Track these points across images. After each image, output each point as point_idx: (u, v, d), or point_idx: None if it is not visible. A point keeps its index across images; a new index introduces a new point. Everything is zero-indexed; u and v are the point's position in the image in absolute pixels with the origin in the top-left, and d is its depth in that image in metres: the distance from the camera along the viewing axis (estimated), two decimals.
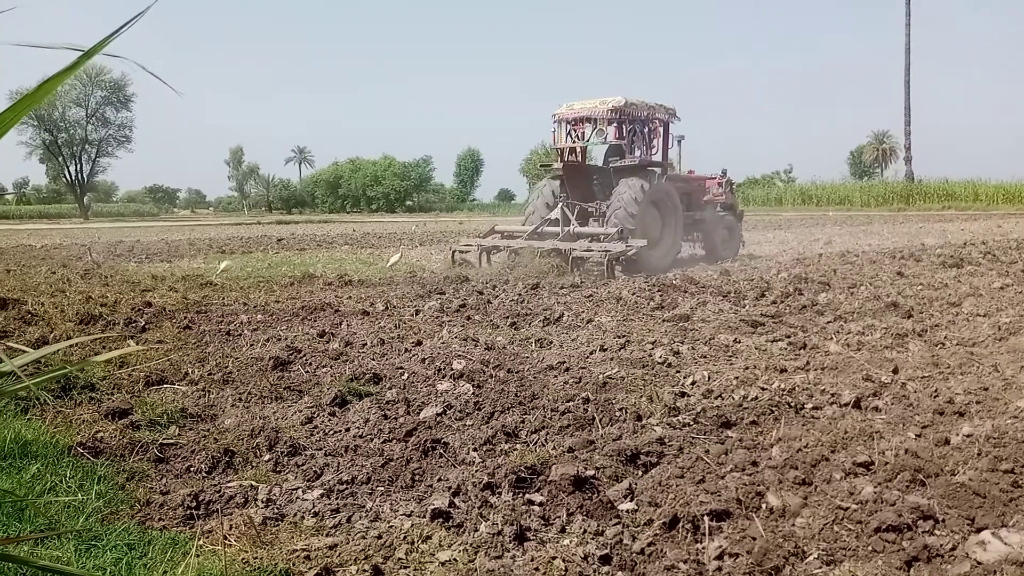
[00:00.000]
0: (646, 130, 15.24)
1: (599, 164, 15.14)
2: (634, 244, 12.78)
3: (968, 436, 3.75)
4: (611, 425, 4.27)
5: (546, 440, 4.07)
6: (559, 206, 14.23)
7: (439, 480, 3.53)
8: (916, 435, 3.93)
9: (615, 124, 14.94)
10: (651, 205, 14.15)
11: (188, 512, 3.23)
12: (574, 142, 14.91)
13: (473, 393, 4.88)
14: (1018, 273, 11.02)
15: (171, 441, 4.07)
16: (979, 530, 2.82)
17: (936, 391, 4.76)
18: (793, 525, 2.94)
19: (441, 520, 3.05)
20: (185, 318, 7.80)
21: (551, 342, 6.63)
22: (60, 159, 67.77)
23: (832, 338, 6.56)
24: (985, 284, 9.72)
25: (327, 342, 6.63)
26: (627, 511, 3.18)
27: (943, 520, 2.91)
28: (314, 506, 3.26)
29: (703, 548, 2.83)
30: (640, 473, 3.59)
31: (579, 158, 14.54)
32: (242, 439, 4.08)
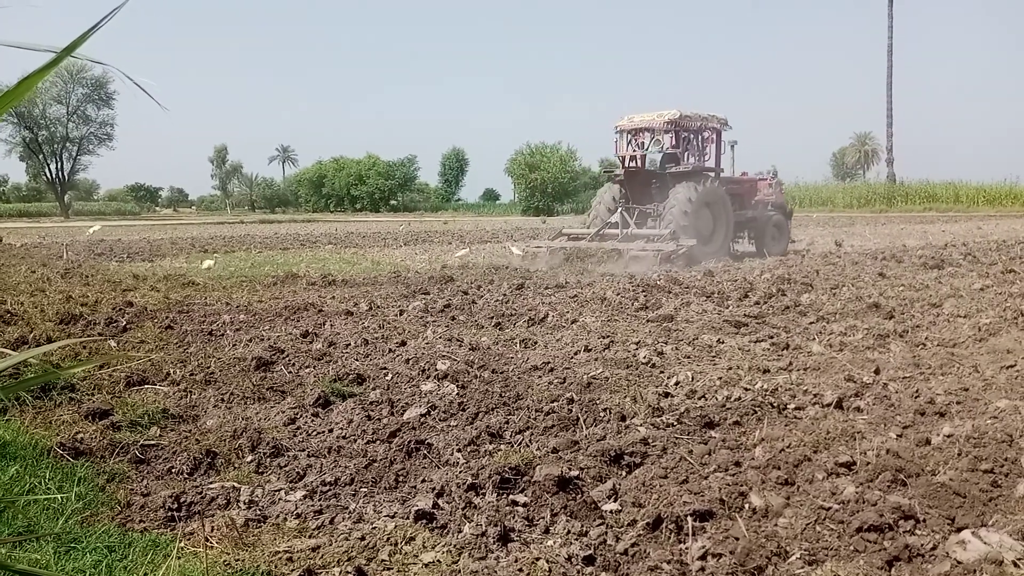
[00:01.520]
0: (699, 138, 16.97)
1: (655, 170, 16.37)
2: (684, 243, 14.10)
3: (949, 436, 3.78)
4: (595, 425, 4.28)
5: (530, 441, 4.07)
6: (619, 209, 15.87)
7: (423, 481, 3.52)
8: (897, 435, 3.96)
9: (671, 133, 16.46)
10: (704, 206, 15.55)
11: (169, 514, 3.20)
12: (634, 151, 16.70)
13: (457, 394, 4.87)
14: (998, 275, 11.13)
15: (152, 442, 4.03)
16: (959, 530, 2.84)
17: (917, 391, 4.80)
18: (776, 525, 2.96)
19: (425, 521, 3.04)
20: (167, 318, 7.74)
21: (536, 342, 6.63)
22: (40, 157, 67.03)
23: (815, 339, 6.60)
24: (965, 285, 9.81)
25: (310, 342, 6.60)
26: (611, 512, 3.19)
27: (924, 520, 2.94)
28: (297, 507, 3.24)
29: (686, 548, 2.84)
30: (624, 473, 3.59)
31: (638, 164, 16.31)
32: (224, 440, 4.05)
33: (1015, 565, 2.57)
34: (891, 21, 69.18)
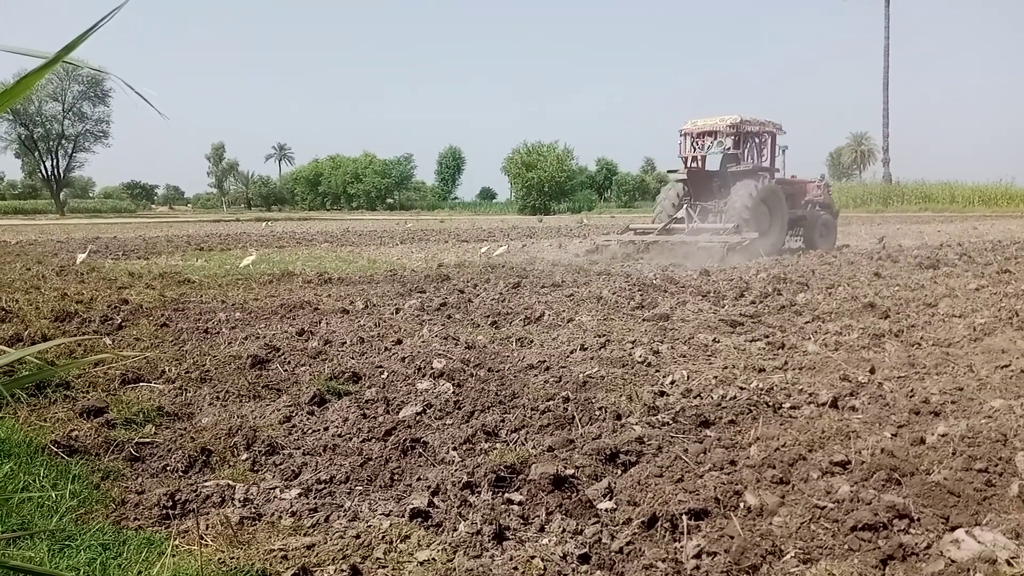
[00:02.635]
0: (757, 141, 18.52)
1: (716, 170, 18.09)
2: (747, 236, 15.52)
3: (943, 436, 3.79)
4: (591, 424, 4.28)
5: (526, 439, 4.07)
6: (684, 206, 17.64)
7: (418, 479, 3.52)
8: (892, 434, 3.97)
9: (732, 136, 17.99)
10: (761, 203, 17.02)
11: (164, 512, 3.19)
12: (696, 152, 18.23)
13: (453, 392, 4.87)
14: (993, 275, 11.16)
15: (147, 440, 4.03)
16: (953, 529, 2.85)
17: (912, 391, 4.81)
18: (771, 524, 2.96)
19: (420, 520, 3.04)
20: (162, 316, 7.73)
21: (532, 341, 6.63)
22: (36, 154, 66.90)
23: (810, 338, 6.61)
24: (961, 285, 9.83)
25: (306, 340, 6.59)
26: (606, 510, 3.19)
27: (918, 519, 2.94)
28: (292, 505, 3.24)
29: (681, 547, 2.84)
30: (619, 472, 3.60)
31: (700, 165, 18.09)
32: (219, 438, 4.05)
33: (1009, 564, 2.57)
34: (888, 22, 69.35)
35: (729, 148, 18.05)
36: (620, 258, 15.80)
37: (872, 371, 5.32)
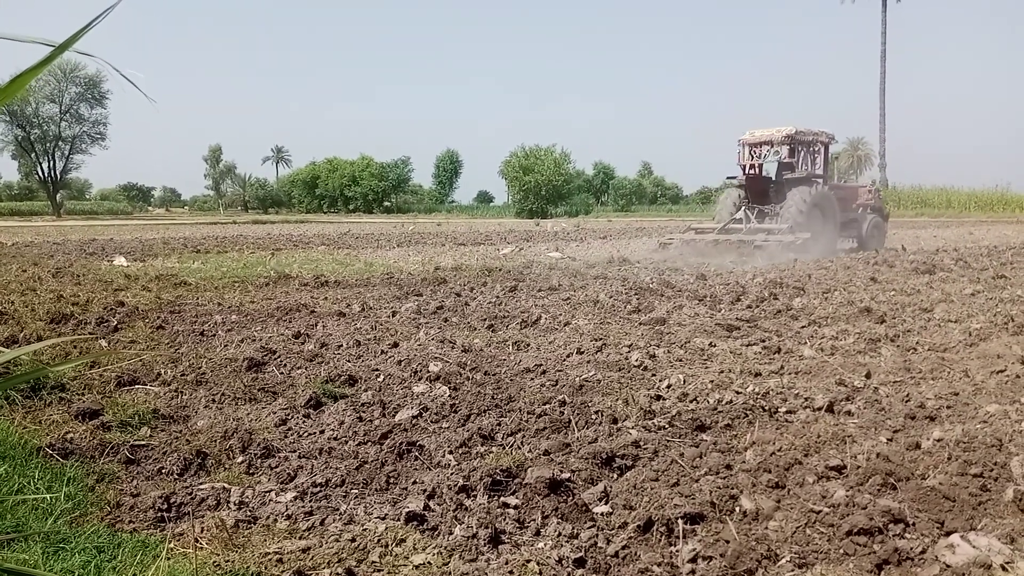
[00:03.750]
0: (811, 149, 20.10)
1: (771, 176, 19.45)
2: (799, 236, 16.94)
3: (939, 440, 3.80)
4: (587, 428, 4.28)
5: (522, 443, 4.07)
6: (742, 208, 19.30)
7: (414, 483, 3.52)
8: (888, 439, 3.97)
9: (787, 146, 19.53)
10: (815, 207, 18.46)
11: (159, 514, 3.19)
12: (754, 160, 19.75)
13: (449, 395, 4.87)
14: (989, 280, 11.19)
15: (143, 442, 4.02)
16: (948, 533, 2.85)
17: (908, 396, 4.81)
18: (766, 528, 2.96)
19: (416, 523, 3.04)
20: (158, 318, 7.72)
21: (528, 345, 6.63)
22: (33, 155, 66.74)
23: (806, 343, 6.62)
24: (957, 290, 9.86)
25: (302, 343, 6.59)
26: (602, 514, 3.19)
27: (913, 523, 2.95)
28: (287, 508, 3.23)
29: (677, 551, 2.84)
30: (615, 476, 3.60)
31: (757, 171, 19.47)
32: (215, 441, 4.04)
33: (1003, 569, 2.58)
34: (884, 27, 69.53)
35: (784, 156, 19.57)
36: (683, 255, 17.26)
37: (868, 376, 5.33)
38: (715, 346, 6.45)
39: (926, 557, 2.71)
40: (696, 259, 16.15)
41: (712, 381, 5.15)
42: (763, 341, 6.67)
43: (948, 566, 2.62)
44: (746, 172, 19.78)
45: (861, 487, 3.28)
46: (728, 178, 21.07)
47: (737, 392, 4.89)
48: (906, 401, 4.70)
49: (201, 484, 3.51)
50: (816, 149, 20.28)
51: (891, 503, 3.05)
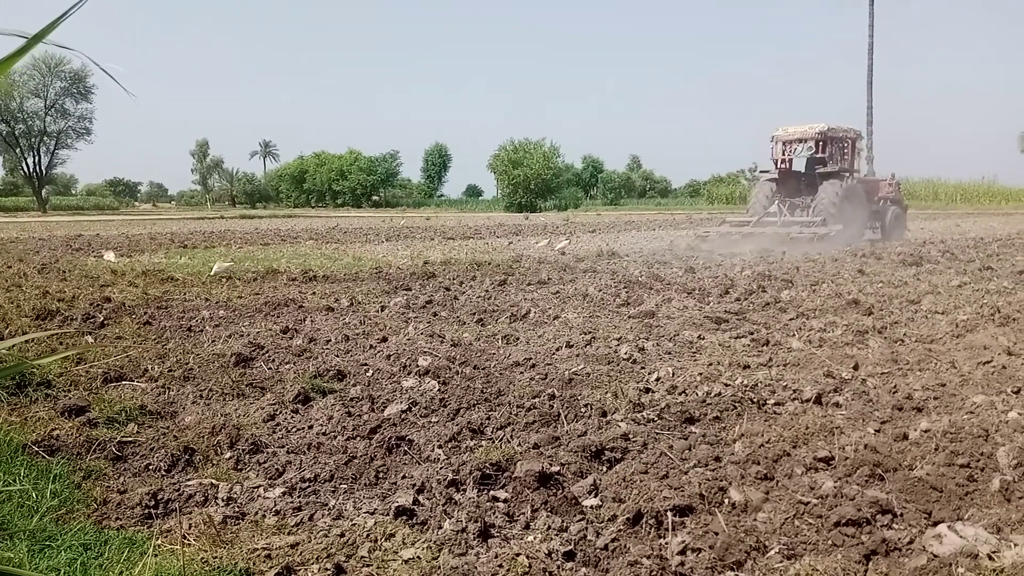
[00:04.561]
0: (841, 145, 21.04)
1: (802, 171, 20.53)
2: (832, 228, 18.03)
3: (926, 431, 3.82)
4: (576, 421, 4.28)
5: (512, 436, 4.07)
6: (776, 202, 20.35)
7: (403, 477, 3.51)
8: (875, 430, 3.99)
9: (819, 142, 20.55)
10: (845, 200, 19.45)
11: (146, 511, 3.17)
12: (786, 155, 21.04)
13: (439, 390, 4.86)
14: (975, 272, 11.25)
15: (129, 439, 3.99)
16: (935, 524, 2.87)
17: (895, 387, 4.84)
18: (755, 520, 2.97)
19: (405, 518, 3.03)
20: (145, 314, 7.67)
21: (518, 338, 6.63)
22: (17, 151, 66.12)
23: (794, 335, 6.64)
24: (943, 282, 9.91)
25: (290, 338, 6.56)
26: (591, 507, 3.19)
27: (901, 514, 2.96)
28: (276, 504, 3.22)
29: (666, 543, 2.84)
30: (605, 469, 3.60)
31: (789, 167, 20.69)
32: (203, 437, 4.02)
33: (990, 558, 2.59)
34: (872, 20, 69.63)
35: (815, 152, 20.58)
36: (720, 245, 18.12)
37: (856, 367, 5.35)
38: (704, 339, 6.46)
39: (914, 547, 2.73)
40: (733, 250, 16.59)
41: (701, 374, 5.16)
42: (751, 333, 6.68)
43: (935, 556, 2.64)
44: (778, 166, 21.08)
45: (849, 478, 3.30)
46: (760, 171, 22.28)
47: (726, 384, 4.90)
48: (894, 392, 4.72)
49: (189, 480, 3.49)
50: (845, 145, 21.23)
51: (879, 494, 3.06)
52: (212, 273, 12.51)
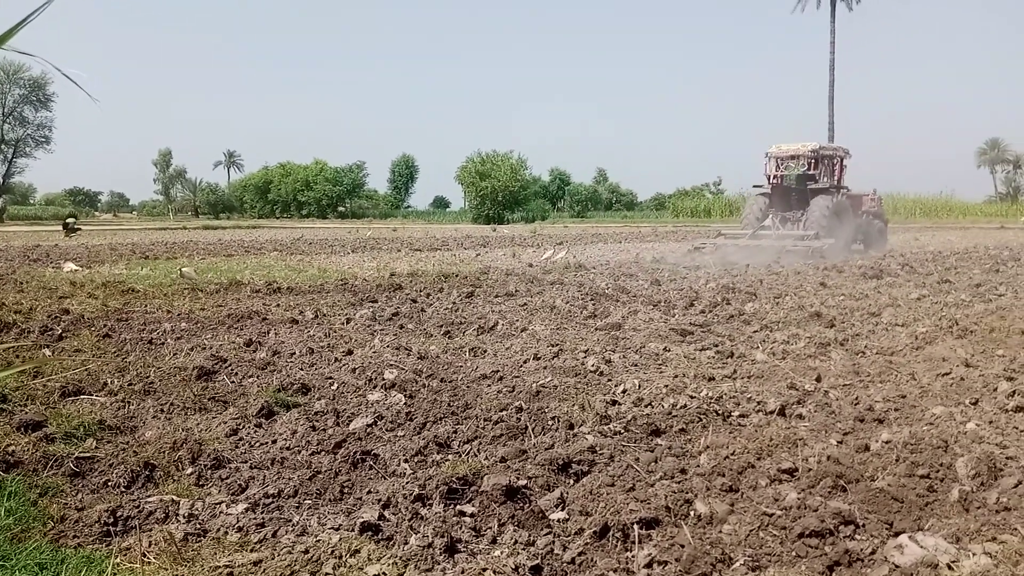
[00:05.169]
0: (831, 163, 22.65)
1: (793, 186, 22.10)
2: (825, 241, 19.12)
3: (887, 443, 3.88)
4: (544, 434, 4.28)
5: (479, 450, 4.05)
6: (769, 216, 21.80)
7: (369, 492, 3.48)
8: (838, 442, 4.04)
9: (812, 159, 22.17)
10: (834, 214, 20.91)
11: (105, 529, 3.10)
12: (780, 171, 22.55)
13: (405, 403, 4.83)
14: (934, 284, 11.49)
15: (88, 455, 3.91)
16: (897, 534, 2.91)
17: (857, 399, 4.91)
18: (720, 532, 2.99)
19: (370, 533, 3.00)
20: (105, 326, 7.53)
21: (485, 351, 6.62)
22: None
23: (758, 347, 6.72)
24: (903, 295, 10.10)
25: (254, 351, 6.48)
26: (558, 520, 3.18)
27: (863, 525, 3.00)
28: (238, 521, 3.17)
29: (633, 556, 2.85)
30: (572, 482, 3.60)
31: (781, 182, 22.26)
32: (163, 452, 3.95)
33: (949, 568, 2.63)
34: (833, 37, 71.08)
35: (808, 169, 22.14)
36: (717, 257, 18.77)
37: (818, 379, 5.42)
38: (669, 351, 6.51)
39: (876, 558, 2.76)
40: (729, 261, 17.21)
41: (667, 386, 5.19)
42: (716, 346, 6.74)
43: (897, 566, 2.67)
44: (771, 182, 22.60)
45: (812, 489, 3.33)
46: (754, 186, 23.73)
47: (691, 397, 4.93)
48: (855, 404, 4.79)
49: (149, 497, 3.43)
50: (835, 162, 22.84)
51: (841, 505, 3.10)
52: (182, 274, 12.40)
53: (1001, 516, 3.06)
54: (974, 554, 2.71)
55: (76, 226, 14.41)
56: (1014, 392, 4.84)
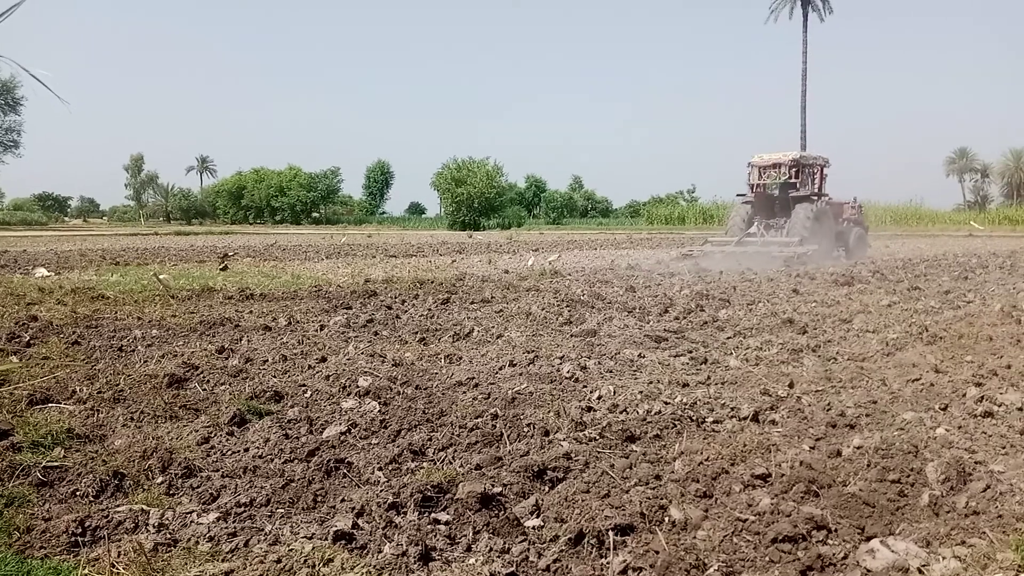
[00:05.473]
0: (811, 171, 23.30)
1: (775, 194, 22.71)
2: (809, 248, 19.94)
3: (858, 448, 3.91)
4: (519, 441, 4.27)
5: (454, 457, 4.04)
6: (755, 223, 22.59)
7: (342, 501, 3.45)
8: (810, 447, 4.08)
9: (793, 168, 22.84)
10: (816, 221, 21.47)
11: (73, 539, 3.04)
12: (762, 180, 23.21)
13: (379, 411, 4.80)
14: (904, 291, 11.64)
15: (56, 464, 3.84)
16: (869, 538, 2.94)
17: (829, 404, 4.96)
18: (695, 538, 3.00)
19: (344, 542, 2.97)
20: (74, 333, 7.42)
21: (461, 358, 6.60)
22: None
23: (732, 353, 6.76)
24: (874, 302, 10.22)
25: (226, 358, 6.41)
26: (533, 528, 3.18)
27: (835, 530, 3.02)
28: (209, 530, 3.13)
29: (608, 563, 2.85)
30: (547, 489, 3.59)
31: (764, 190, 22.97)
32: (133, 461, 3.89)
33: (920, 572, 2.66)
34: (805, 47, 71.99)
35: (789, 177, 22.78)
36: (705, 263, 19.31)
37: (791, 385, 5.47)
38: (644, 357, 6.53)
39: (848, 562, 2.79)
40: (717, 267, 17.63)
41: (641, 392, 5.21)
42: (690, 352, 6.78)
43: (869, 571, 2.70)
44: (754, 190, 23.30)
45: (785, 495, 3.35)
46: (738, 195, 24.24)
47: (666, 403, 4.95)
48: (827, 410, 4.84)
49: (118, 506, 3.37)
50: (815, 171, 23.47)
51: (814, 510, 3.12)
52: (159, 280, 12.27)
53: (970, 520, 3.10)
54: (944, 558, 2.74)
55: (226, 264, 14.87)
56: (982, 398, 4.92)
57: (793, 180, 22.82)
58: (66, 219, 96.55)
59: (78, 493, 3.56)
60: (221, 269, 16.09)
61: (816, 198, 22.80)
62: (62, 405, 4.94)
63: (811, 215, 21.42)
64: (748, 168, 23.80)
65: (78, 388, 5.29)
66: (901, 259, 20.72)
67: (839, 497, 3.29)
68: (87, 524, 3.13)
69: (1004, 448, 4.05)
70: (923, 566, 2.69)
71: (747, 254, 20.14)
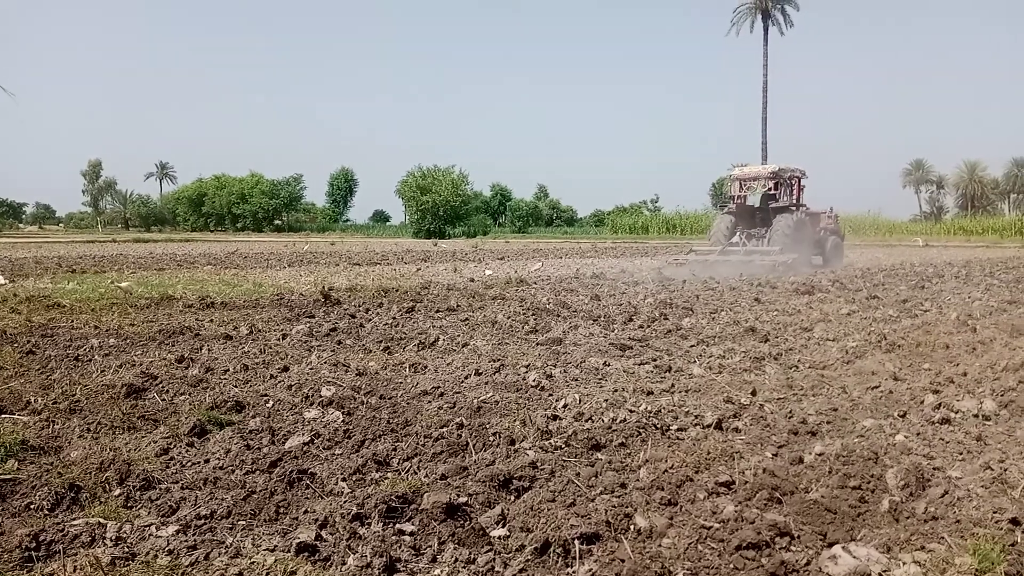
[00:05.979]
0: (790, 183, 24.37)
1: (756, 205, 23.86)
2: (790, 256, 20.76)
3: (820, 455, 3.96)
4: (485, 450, 4.26)
5: (419, 467, 4.01)
6: (737, 232, 23.80)
7: (305, 512, 3.40)
8: (773, 454, 4.12)
9: (772, 180, 23.95)
10: (796, 231, 22.54)
11: (26, 554, 2.96)
12: (744, 192, 24.44)
13: (343, 421, 4.75)
14: (863, 300, 11.84)
15: (8, 476, 3.73)
16: (831, 545, 2.97)
17: (791, 412, 5.01)
18: (660, 545, 3.01)
19: (307, 554, 2.93)
20: (28, 342, 7.24)
21: (426, 367, 6.56)
22: None
23: (695, 361, 6.81)
24: (834, 310, 10.38)
25: (186, 368, 6.31)
26: (499, 537, 3.16)
27: (798, 536, 3.05)
28: (169, 543, 3.06)
29: (574, 572, 2.84)
30: (512, 498, 3.58)
31: (744, 201, 24.24)
32: (90, 473, 3.80)
33: None
34: (766, 60, 73.23)
35: (769, 189, 23.89)
36: (689, 271, 19.81)
37: (754, 393, 5.52)
38: (609, 365, 6.56)
39: (811, 569, 2.81)
40: (702, 275, 18.19)
41: (607, 400, 5.23)
42: (655, 360, 6.82)
43: None
44: (735, 201, 24.61)
45: (749, 502, 3.38)
46: (720, 206, 25.63)
47: (631, 411, 4.97)
48: (789, 417, 4.89)
49: (74, 520, 3.29)
50: (793, 183, 24.53)
51: (777, 517, 3.15)
52: (120, 288, 12.05)
53: (929, 525, 3.15)
54: (904, 563, 2.78)
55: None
56: (940, 405, 5.02)
57: (773, 192, 23.91)
58: (21, 226, 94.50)
59: (32, 506, 3.47)
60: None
61: (795, 209, 23.86)
62: (16, 416, 4.82)
63: (791, 225, 22.50)
64: (729, 180, 25.10)
65: (33, 398, 5.16)
66: (860, 268, 21.10)
67: (801, 504, 3.33)
68: (41, 538, 3.05)
69: (961, 454, 4.13)
70: (884, 571, 2.73)
71: (731, 263, 20.97)
